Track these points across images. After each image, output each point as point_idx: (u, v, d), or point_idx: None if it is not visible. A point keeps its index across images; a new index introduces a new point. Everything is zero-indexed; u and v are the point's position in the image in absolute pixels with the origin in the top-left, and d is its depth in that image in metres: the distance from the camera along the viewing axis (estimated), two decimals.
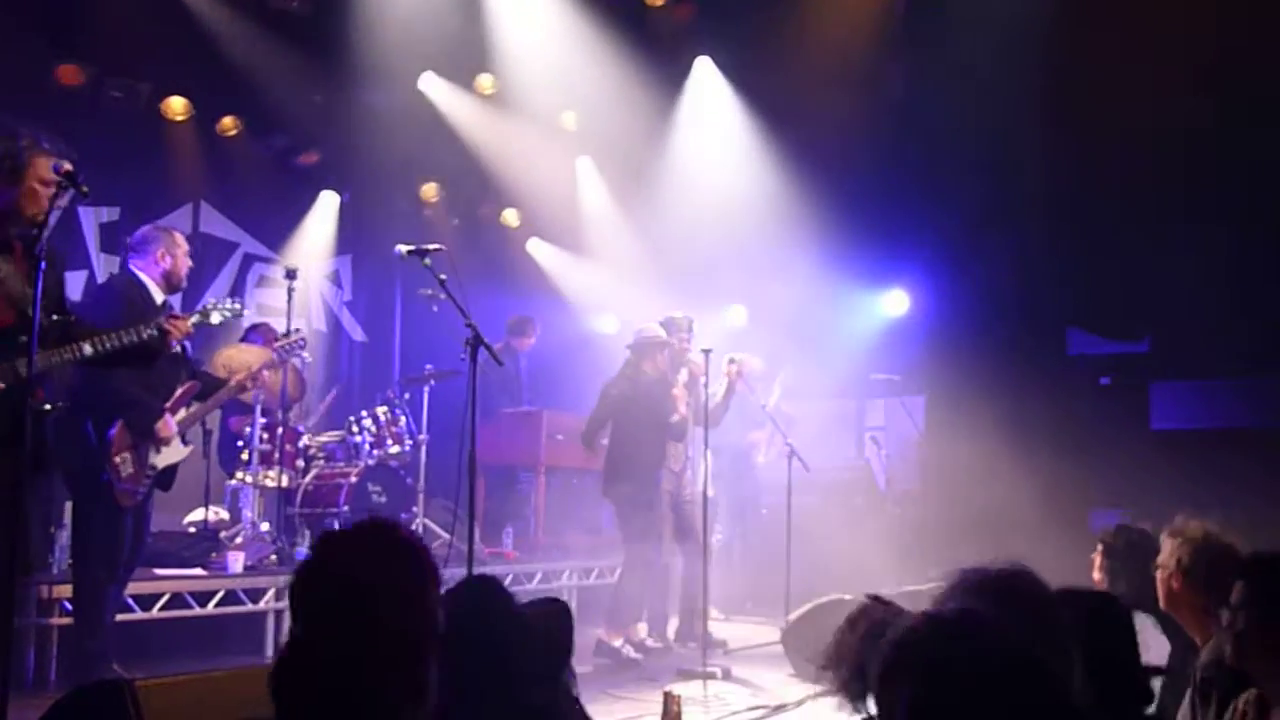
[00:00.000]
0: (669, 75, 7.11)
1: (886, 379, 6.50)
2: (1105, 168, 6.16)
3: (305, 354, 4.80)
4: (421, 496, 5.82)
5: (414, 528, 5.58)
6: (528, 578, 5.74)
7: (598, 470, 5.31)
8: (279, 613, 4.38)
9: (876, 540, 5.96)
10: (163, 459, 3.62)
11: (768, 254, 7.18)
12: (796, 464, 5.25)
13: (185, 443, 3.77)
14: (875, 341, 7.54)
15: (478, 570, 3.21)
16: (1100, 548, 2.35)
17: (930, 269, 7.57)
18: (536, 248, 8.44)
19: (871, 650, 1.07)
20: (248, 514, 5.00)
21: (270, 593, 4.40)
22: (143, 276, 3.68)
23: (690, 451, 5.26)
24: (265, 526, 5.13)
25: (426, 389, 6.09)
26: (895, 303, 7.90)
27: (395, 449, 5.89)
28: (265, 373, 4.37)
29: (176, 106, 6.02)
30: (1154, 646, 2.05)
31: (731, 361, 5.15)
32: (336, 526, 4.44)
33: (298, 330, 4.62)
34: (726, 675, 4.22)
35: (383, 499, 5.51)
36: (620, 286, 7.71)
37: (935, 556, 5.77)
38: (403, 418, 6.04)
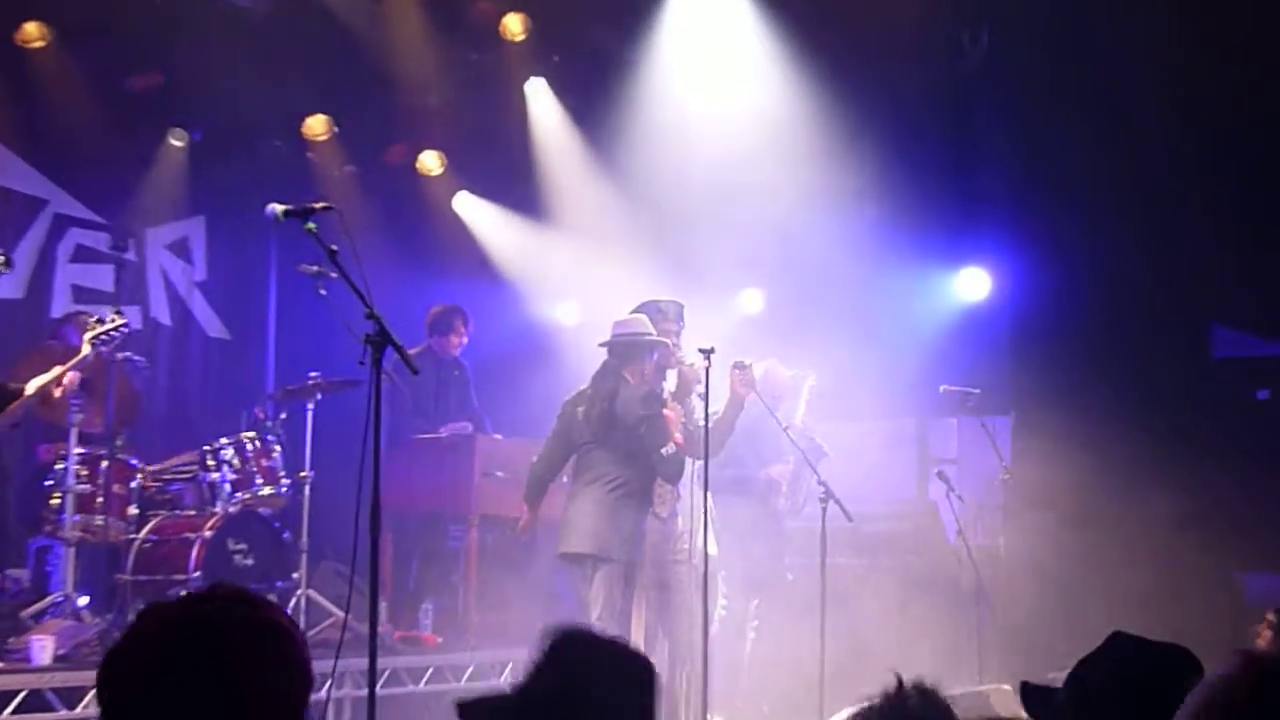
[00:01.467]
0: None
1: (960, 392, 6.56)
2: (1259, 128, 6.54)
3: (133, 354, 4.80)
4: (304, 558, 5.81)
5: (292, 603, 5.47)
6: (454, 673, 5.72)
7: (555, 521, 5.29)
8: None
9: (945, 615, 6.01)
10: None
11: (794, 219, 7.22)
12: (834, 510, 5.21)
13: None
14: (944, 340, 7.60)
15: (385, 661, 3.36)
16: (1269, 620, 2.33)
17: (1020, 243, 7.59)
18: (467, 206, 8.48)
19: None
20: (60, 582, 4.89)
21: (92, 695, 4.37)
22: None
23: (682, 491, 5.28)
24: (83, 601, 5.00)
25: (311, 406, 6.12)
26: (971, 287, 7.99)
27: (267, 490, 5.88)
28: (77, 379, 4.38)
29: None
30: None
31: (739, 367, 5.18)
32: None
33: (118, 315, 4.55)
34: None
35: (248, 561, 5.46)
36: (586, 261, 7.75)
37: (1028, 640, 5.82)
38: (277, 447, 6.06)
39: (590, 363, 5.36)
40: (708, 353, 4.91)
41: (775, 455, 6.30)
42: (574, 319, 8.62)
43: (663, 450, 4.93)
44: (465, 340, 7.09)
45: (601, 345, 5.23)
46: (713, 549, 5.47)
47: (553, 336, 8.31)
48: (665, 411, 5.11)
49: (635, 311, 5.33)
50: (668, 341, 5.28)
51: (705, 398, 4.95)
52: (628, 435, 4.96)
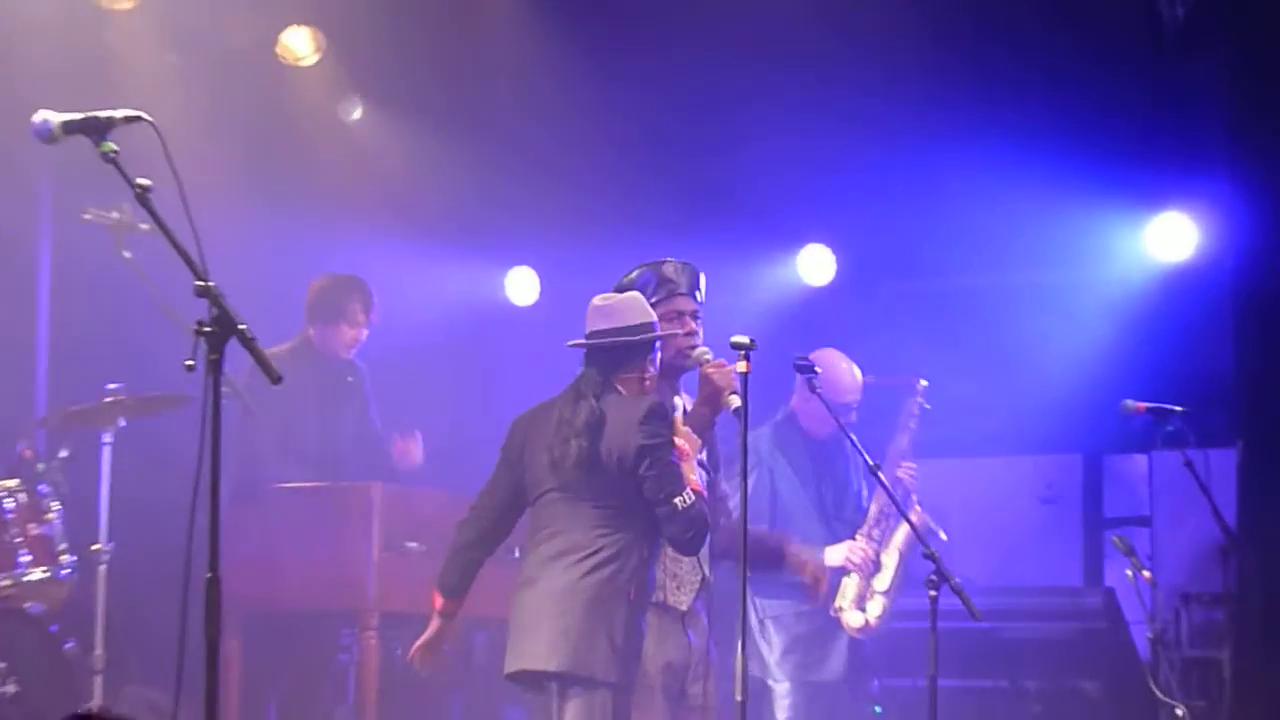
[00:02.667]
0: None
1: (1153, 411, 6.62)
2: None
3: None
4: (98, 681, 5.86)
5: None
6: None
7: (499, 621, 5.44)
8: None
9: None
10: None
11: (879, 143, 7.70)
12: (950, 604, 5.18)
13: None
14: (1126, 328, 7.81)
15: None
16: None
17: (1242, 184, 7.66)
18: (364, 121, 8.60)
19: None
20: None
21: None
22: None
23: (709, 572, 5.36)
24: None
25: (109, 438, 6.15)
26: (1170, 240, 8.23)
27: (38, 574, 5.88)
28: None
29: None
30: None
31: (745, 358, 5.24)
32: None
33: None
34: None
35: (7, 688, 5.49)
36: (552, 208, 8.08)
37: None
38: (54, 505, 6.05)
39: (554, 364, 5.44)
40: (745, 350, 4.98)
41: (839, 520, 6.70)
42: (529, 296, 8.79)
43: (675, 501, 4.90)
44: (364, 334, 7.20)
45: (576, 345, 5.24)
46: (768, 666, 5.53)
47: (497, 324, 8.51)
48: (677, 440, 5.12)
49: (630, 282, 5.38)
50: (677, 331, 5.33)
51: (744, 419, 5.00)
52: (620, 480, 4.91)
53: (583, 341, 5.14)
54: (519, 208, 8.54)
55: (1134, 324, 7.82)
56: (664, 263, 5.46)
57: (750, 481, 6.35)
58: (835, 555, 6.64)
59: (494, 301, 8.86)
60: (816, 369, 5.52)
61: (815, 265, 8.73)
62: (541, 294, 9.01)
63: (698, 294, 5.48)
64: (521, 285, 9.04)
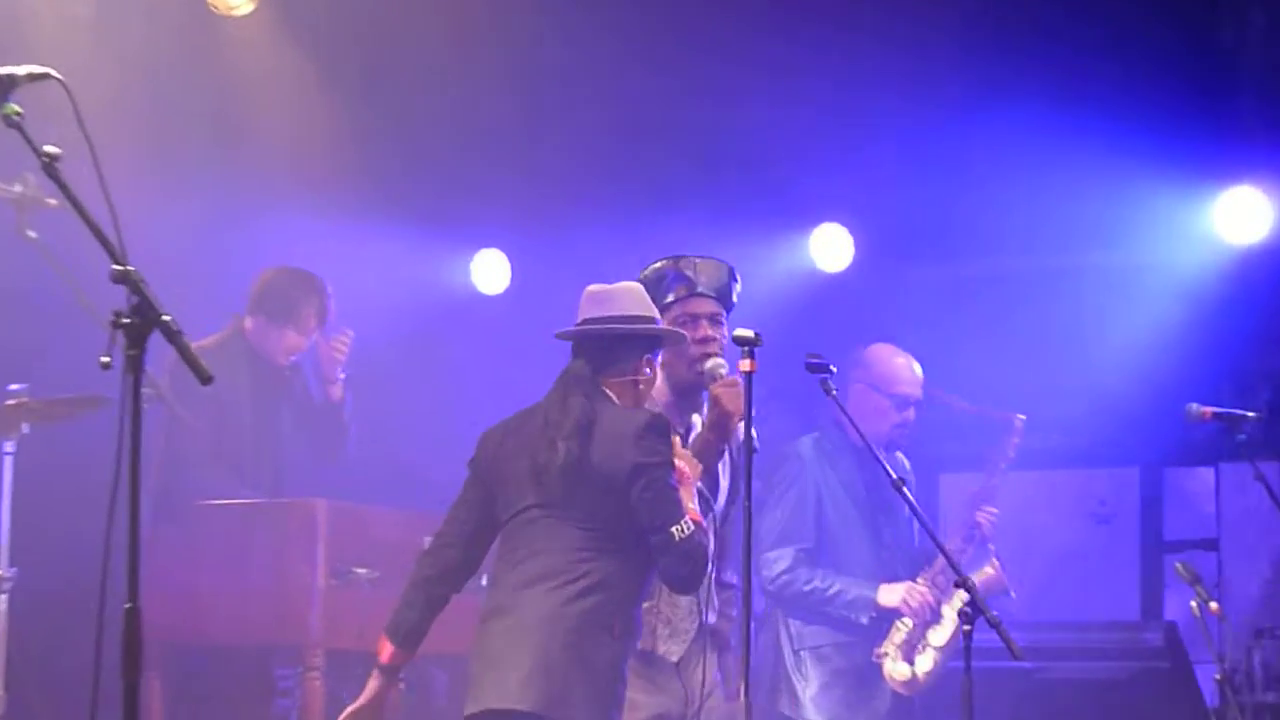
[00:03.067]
0: None
1: (1221, 417, 6.61)
2: None
3: None
4: None
5: None
6: None
7: (461, 658, 5.35)
8: None
9: None
10: None
11: (905, 107, 7.76)
12: (986, 639, 5.11)
13: None
14: (1190, 320, 7.79)
15: None
16: None
17: None
18: (301, 79, 8.52)
19: None
20: None
21: None
22: None
23: (710, 615, 5.42)
24: None
25: (10, 448, 6.13)
26: (1240, 220, 8.14)
27: None
28: None
29: None
30: None
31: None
32: None
33: None
34: None
35: None
36: (519, 174, 8.22)
37: None
38: None
39: (527, 362, 5.47)
40: (749, 345, 5.02)
41: (883, 553, 6.77)
42: (500, 283, 8.92)
43: (672, 531, 4.86)
44: (308, 341, 7.28)
45: (565, 336, 5.23)
46: (801, 703, 5.76)
47: (462, 315, 8.61)
48: (677, 462, 5.07)
49: (646, 278, 5.47)
50: (680, 332, 5.33)
51: (748, 432, 4.98)
52: (609, 498, 4.95)
53: (573, 330, 5.16)
54: (487, 183, 8.57)
55: (1200, 316, 7.78)
56: (685, 258, 5.56)
57: (792, 496, 6.77)
58: (890, 596, 6.69)
59: (458, 289, 8.90)
60: (831, 368, 5.39)
61: (830, 248, 8.73)
62: (513, 280, 9.02)
63: (725, 296, 5.55)
64: (490, 270, 9.07)
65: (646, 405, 5.20)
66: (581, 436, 4.95)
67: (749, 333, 5.03)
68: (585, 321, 5.13)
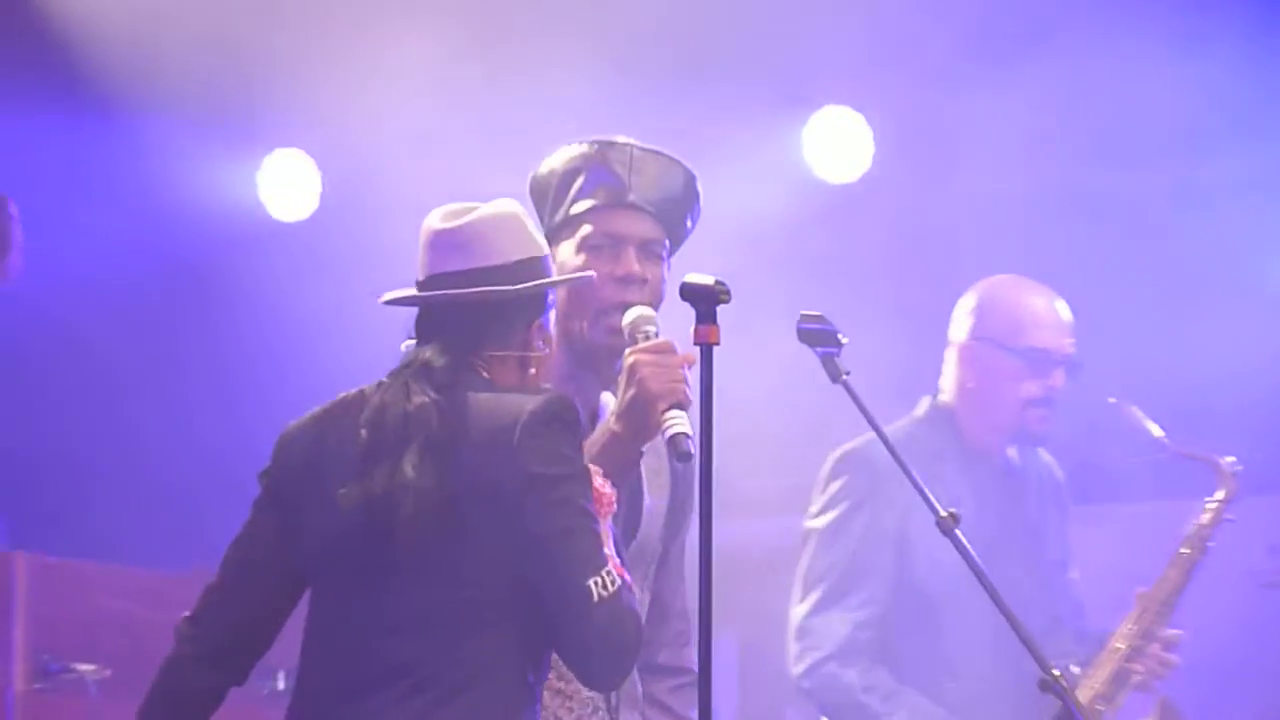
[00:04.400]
0: None
1: None
2: None
3: None
4: None
5: None
6: None
7: None
8: None
9: None
10: None
11: None
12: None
13: None
14: None
15: None
16: None
17: None
18: None
19: None
20: None
21: None
22: None
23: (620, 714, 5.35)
24: None
25: None
26: None
27: None
28: None
29: None
30: None
31: (707, 316, 4.89)
32: None
33: None
34: None
35: None
36: (342, 36, 8.59)
37: None
38: None
39: (348, 327, 5.19)
40: (706, 301, 4.78)
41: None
42: (300, 203, 9.29)
43: (589, 583, 4.75)
44: None
45: (399, 301, 5.05)
46: None
47: (244, 254, 9.01)
48: (594, 475, 4.88)
49: (543, 178, 5.46)
50: (590, 274, 5.24)
51: (703, 446, 4.80)
52: (484, 540, 4.84)
53: (413, 294, 4.99)
54: (286, 50, 8.76)
55: None
56: (617, 144, 5.47)
57: (852, 529, 6.83)
58: None
59: (237, 213, 9.10)
60: (841, 337, 5.32)
61: (837, 146, 8.93)
62: (323, 200, 9.14)
63: (672, 215, 5.49)
64: (286, 183, 9.16)
65: (540, 379, 5.07)
66: (436, 454, 4.81)
67: (707, 279, 4.78)
68: (437, 279, 5.01)
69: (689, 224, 5.47)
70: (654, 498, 5.45)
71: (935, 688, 6.40)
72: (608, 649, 4.90)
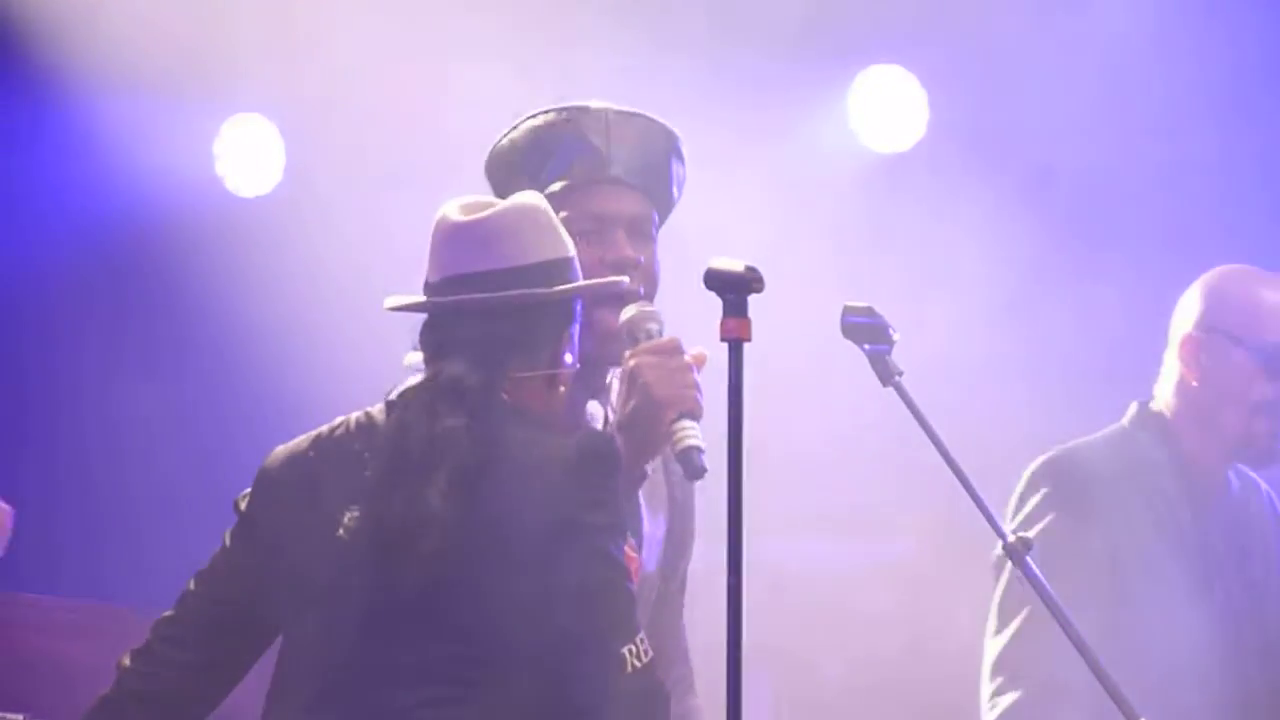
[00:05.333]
0: None
1: None
2: None
3: None
4: None
5: None
6: None
7: None
8: None
9: None
10: None
11: None
12: None
13: None
14: None
15: None
16: None
17: None
18: None
19: None
20: None
21: None
22: None
23: None
24: None
25: None
26: None
27: None
28: None
29: None
30: None
31: (736, 309, 4.90)
32: None
33: None
34: None
35: None
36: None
37: None
38: None
39: (324, 326, 5.00)
40: (735, 292, 4.71)
41: (1241, 660, 6.56)
42: (263, 176, 9.19)
43: (623, 652, 4.81)
44: None
45: (409, 307, 5.07)
46: None
47: (203, 232, 8.91)
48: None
49: (503, 153, 5.35)
50: (625, 282, 5.24)
51: (731, 450, 4.72)
52: (505, 589, 4.85)
53: (439, 301, 5.00)
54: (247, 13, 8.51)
55: None
56: (589, 109, 5.37)
57: (1067, 556, 6.49)
58: None
59: (191, 188, 8.99)
60: (893, 332, 5.16)
61: (887, 110, 8.94)
62: (288, 173, 9.01)
63: (658, 187, 5.43)
64: (248, 153, 9.08)
65: (559, 403, 5.08)
66: (468, 479, 4.79)
67: (737, 265, 4.69)
68: (450, 282, 4.98)
69: (675, 193, 5.42)
70: (650, 525, 5.42)
71: None
72: None
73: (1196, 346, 6.25)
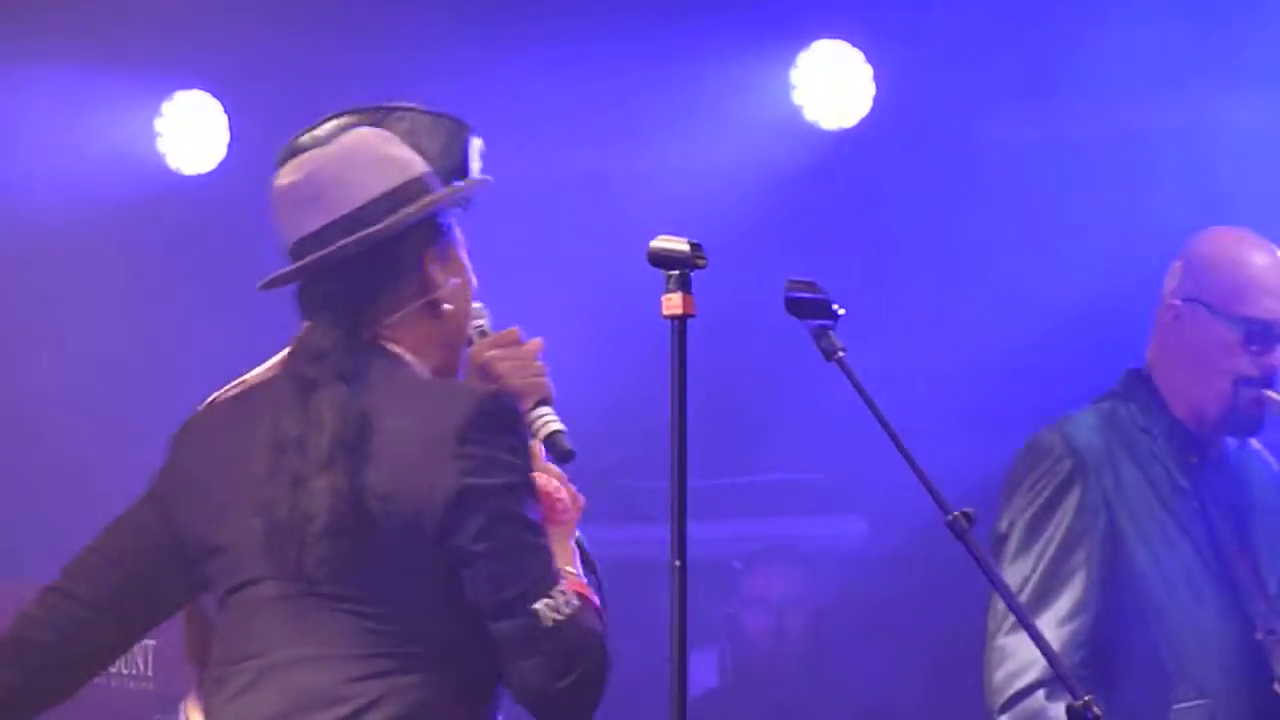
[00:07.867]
0: None
1: None
2: None
3: None
4: None
5: None
6: None
7: None
8: None
9: None
10: None
11: None
12: None
13: None
14: None
15: None
16: None
17: None
18: None
19: None
20: None
21: None
22: None
23: None
24: None
25: None
26: None
27: None
28: None
29: None
30: None
31: (679, 283, 5.09)
32: None
33: None
34: None
35: None
36: None
37: None
38: None
39: (258, 300, 4.93)
40: (678, 265, 4.88)
41: (1246, 640, 6.48)
42: (205, 154, 9.32)
43: (536, 609, 4.82)
44: None
45: (279, 283, 5.12)
46: None
47: (144, 212, 9.06)
48: (540, 481, 4.95)
49: (306, 147, 5.23)
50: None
51: (677, 426, 4.86)
52: (408, 562, 4.92)
53: (290, 270, 5.01)
54: None
55: None
56: (394, 110, 5.30)
57: (1025, 518, 6.75)
58: None
59: (133, 166, 9.07)
60: (836, 308, 5.15)
61: (832, 87, 9.00)
62: (232, 150, 9.09)
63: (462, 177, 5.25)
64: (191, 130, 9.09)
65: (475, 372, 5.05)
66: (349, 453, 4.81)
67: (680, 243, 4.85)
68: (298, 246, 4.97)
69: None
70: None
71: (1160, 707, 6.27)
72: (558, 679, 4.90)
73: (1173, 317, 6.30)
